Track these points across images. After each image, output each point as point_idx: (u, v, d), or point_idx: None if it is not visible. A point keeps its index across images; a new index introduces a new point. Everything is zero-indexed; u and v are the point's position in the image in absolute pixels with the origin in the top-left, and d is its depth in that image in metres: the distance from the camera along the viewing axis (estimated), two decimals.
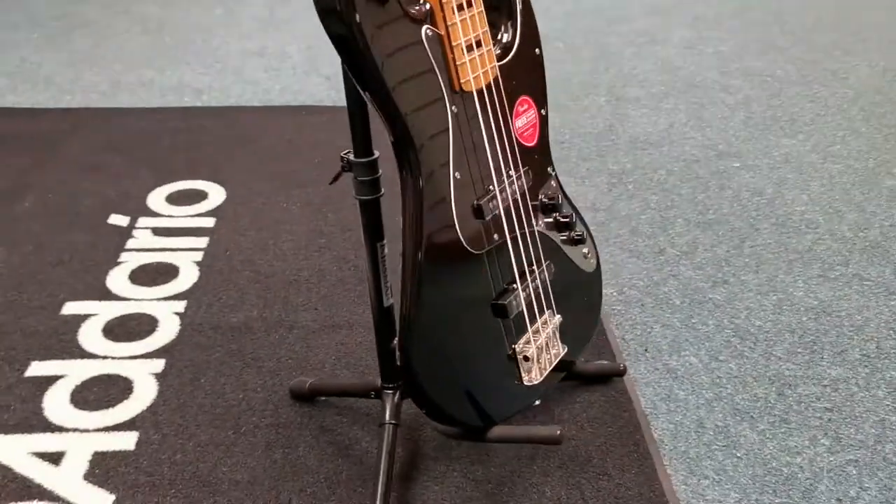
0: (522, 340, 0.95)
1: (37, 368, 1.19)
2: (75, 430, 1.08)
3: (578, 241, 1.05)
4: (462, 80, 0.85)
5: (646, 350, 1.22)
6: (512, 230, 0.92)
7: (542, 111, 0.99)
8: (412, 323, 0.84)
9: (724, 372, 1.18)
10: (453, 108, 0.85)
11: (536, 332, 0.97)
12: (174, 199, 1.64)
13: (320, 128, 1.95)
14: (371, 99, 0.80)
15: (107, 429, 1.08)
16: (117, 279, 1.38)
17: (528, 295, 0.95)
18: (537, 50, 0.98)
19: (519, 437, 0.99)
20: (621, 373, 1.14)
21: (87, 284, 1.37)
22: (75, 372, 1.18)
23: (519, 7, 0.94)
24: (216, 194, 1.65)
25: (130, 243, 1.48)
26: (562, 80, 2.18)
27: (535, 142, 0.97)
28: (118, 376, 1.18)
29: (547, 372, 0.98)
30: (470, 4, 0.85)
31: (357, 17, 0.75)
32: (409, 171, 0.82)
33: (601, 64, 2.29)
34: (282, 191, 1.67)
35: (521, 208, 0.94)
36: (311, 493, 0.98)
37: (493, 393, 0.95)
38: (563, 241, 1.02)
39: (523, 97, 0.96)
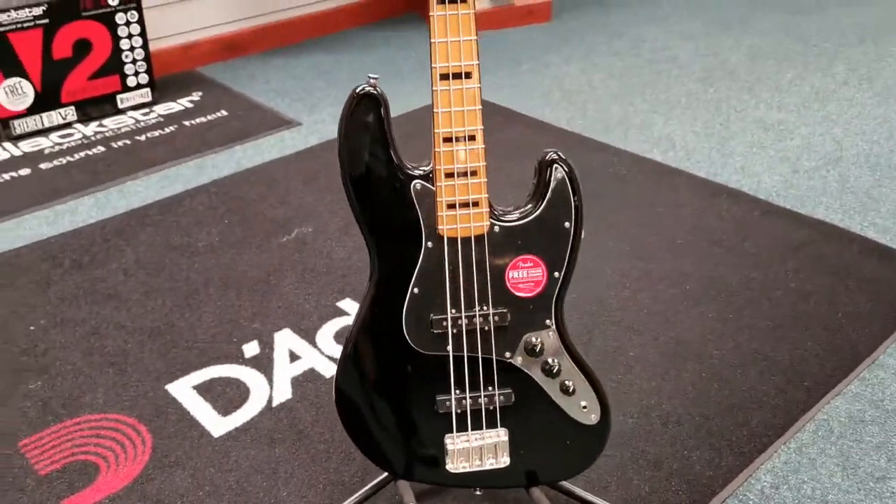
0: (459, 436, 1.17)
1: None
2: None
3: (569, 392, 1.17)
4: (445, 228, 1.09)
5: None
6: (461, 350, 1.14)
7: (555, 274, 1.13)
8: (342, 368, 1.16)
9: None
10: (429, 244, 1.10)
11: (478, 437, 1.17)
12: None
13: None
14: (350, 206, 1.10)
15: None
16: None
17: (474, 404, 1.16)
18: (567, 223, 1.11)
19: None
20: None
21: None
22: None
23: (554, 182, 1.10)
24: None
25: None
26: None
27: (532, 294, 1.13)
28: None
29: (479, 470, 1.18)
30: (475, 174, 1.07)
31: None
32: (373, 263, 1.11)
33: None
34: None
35: (482, 338, 1.13)
36: None
37: (409, 452, 1.20)
38: (549, 385, 1.16)
39: (530, 256, 1.12)
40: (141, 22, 2.61)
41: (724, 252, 1.94)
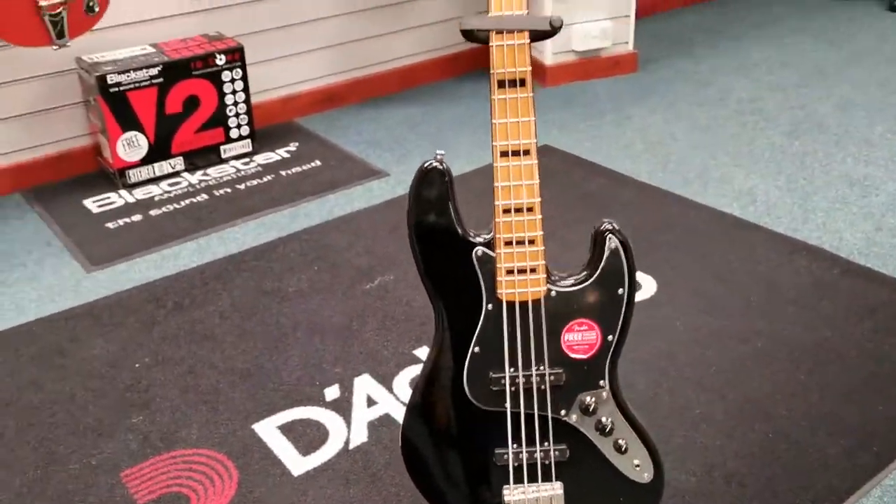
0: (516, 488, 1.24)
1: None
2: None
3: (622, 451, 1.22)
4: (504, 292, 1.17)
5: None
6: (518, 406, 1.21)
7: (609, 337, 1.19)
8: (408, 417, 1.25)
9: None
10: (489, 306, 1.18)
11: (534, 490, 1.24)
12: None
13: None
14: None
15: None
16: None
17: (531, 458, 1.22)
18: (621, 290, 1.18)
19: None
20: None
21: None
22: None
23: (608, 251, 1.17)
24: None
25: None
26: None
27: (587, 356, 1.20)
28: None
29: None
30: (533, 242, 1.15)
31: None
32: (438, 321, 1.20)
33: None
34: None
35: (539, 396, 1.20)
36: None
37: (470, 500, 1.27)
38: (602, 443, 1.22)
39: (585, 320, 1.19)
40: (245, 79, 2.81)
41: (799, 310, 1.94)
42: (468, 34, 1.08)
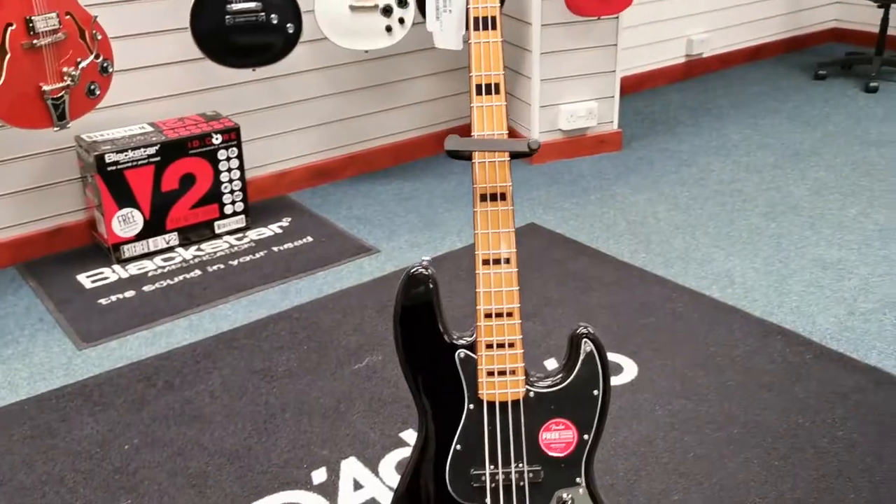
0: None
1: None
2: None
3: None
4: (485, 392, 1.23)
5: None
6: (498, 502, 1.25)
7: (585, 436, 1.25)
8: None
9: None
10: (471, 406, 1.24)
11: None
12: None
13: None
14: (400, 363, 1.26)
15: None
16: None
17: None
18: (595, 391, 1.23)
19: None
20: None
21: None
22: None
23: (583, 354, 1.23)
24: None
25: None
26: None
27: (564, 454, 1.25)
28: None
29: None
30: (512, 346, 1.21)
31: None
32: (422, 417, 1.25)
33: None
34: None
35: (517, 492, 1.25)
36: None
37: None
38: None
39: (562, 419, 1.24)
40: (240, 157, 2.89)
41: (773, 395, 2.00)
42: (453, 154, 1.15)
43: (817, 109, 4.00)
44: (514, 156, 1.17)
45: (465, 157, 1.17)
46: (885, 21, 4.33)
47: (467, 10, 1.15)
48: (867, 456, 1.79)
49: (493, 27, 1.15)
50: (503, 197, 1.18)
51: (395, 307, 1.23)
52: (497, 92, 1.15)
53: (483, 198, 1.18)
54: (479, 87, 1.15)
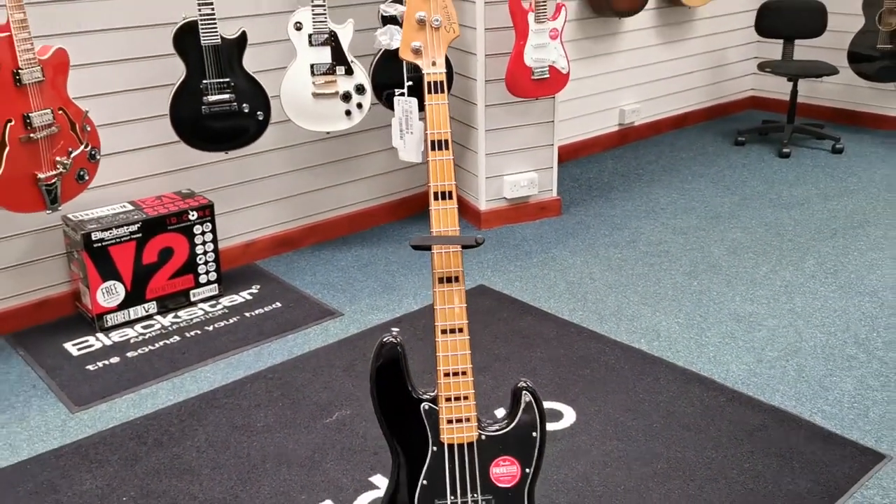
0: None
1: None
2: None
3: None
4: (445, 437, 1.52)
5: None
6: None
7: (527, 470, 1.54)
8: None
9: None
10: (434, 448, 1.52)
11: None
12: None
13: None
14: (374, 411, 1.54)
15: None
16: None
17: None
18: (534, 433, 1.53)
19: None
20: None
21: None
22: None
23: (524, 403, 1.53)
24: None
25: None
26: None
27: (511, 485, 1.54)
28: None
29: None
30: (466, 398, 1.51)
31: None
32: (395, 458, 1.53)
33: None
34: None
35: None
36: None
37: None
38: None
39: (508, 457, 1.53)
40: (214, 231, 3.16)
41: (692, 434, 2.32)
42: (417, 247, 1.46)
43: (737, 174, 4.42)
44: (465, 247, 1.48)
45: (426, 248, 1.47)
46: (794, 93, 4.81)
47: (425, 134, 1.47)
48: (769, 484, 2.11)
49: (446, 147, 1.47)
50: (457, 279, 1.49)
51: (370, 370, 1.51)
52: (451, 198, 1.47)
53: (440, 280, 1.49)
54: (436, 194, 1.47)
